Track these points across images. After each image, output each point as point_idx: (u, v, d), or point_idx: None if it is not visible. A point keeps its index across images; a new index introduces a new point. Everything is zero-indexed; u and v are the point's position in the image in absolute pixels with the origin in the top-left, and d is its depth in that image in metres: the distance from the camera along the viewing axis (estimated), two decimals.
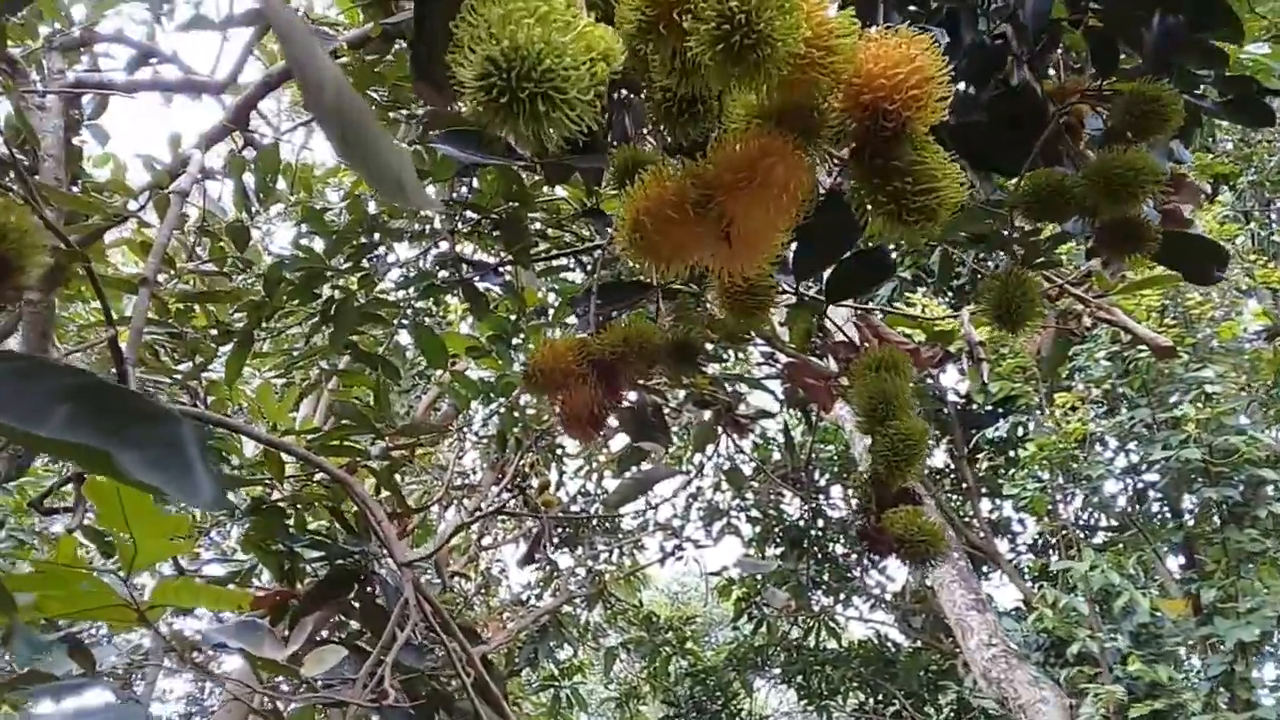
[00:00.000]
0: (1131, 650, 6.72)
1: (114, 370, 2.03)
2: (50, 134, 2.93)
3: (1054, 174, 1.38)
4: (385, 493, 2.87)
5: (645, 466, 3.05)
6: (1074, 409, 7.17)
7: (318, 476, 2.48)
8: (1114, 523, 8.59)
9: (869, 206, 1.04)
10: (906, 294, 8.08)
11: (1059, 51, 1.62)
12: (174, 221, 2.53)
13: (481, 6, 0.74)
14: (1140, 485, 8.08)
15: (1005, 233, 1.92)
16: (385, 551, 2.27)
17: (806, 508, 10.74)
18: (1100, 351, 7.07)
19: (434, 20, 0.98)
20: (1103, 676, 6.63)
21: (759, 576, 10.44)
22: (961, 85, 1.46)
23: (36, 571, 1.20)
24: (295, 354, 3.66)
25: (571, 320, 3.39)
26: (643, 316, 1.72)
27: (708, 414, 2.60)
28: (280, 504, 2.42)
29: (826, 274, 1.41)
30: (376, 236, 3.03)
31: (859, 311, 1.70)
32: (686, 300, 1.83)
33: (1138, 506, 8.13)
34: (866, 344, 1.61)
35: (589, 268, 3.57)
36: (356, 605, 2.50)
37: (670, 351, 1.43)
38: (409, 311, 3.27)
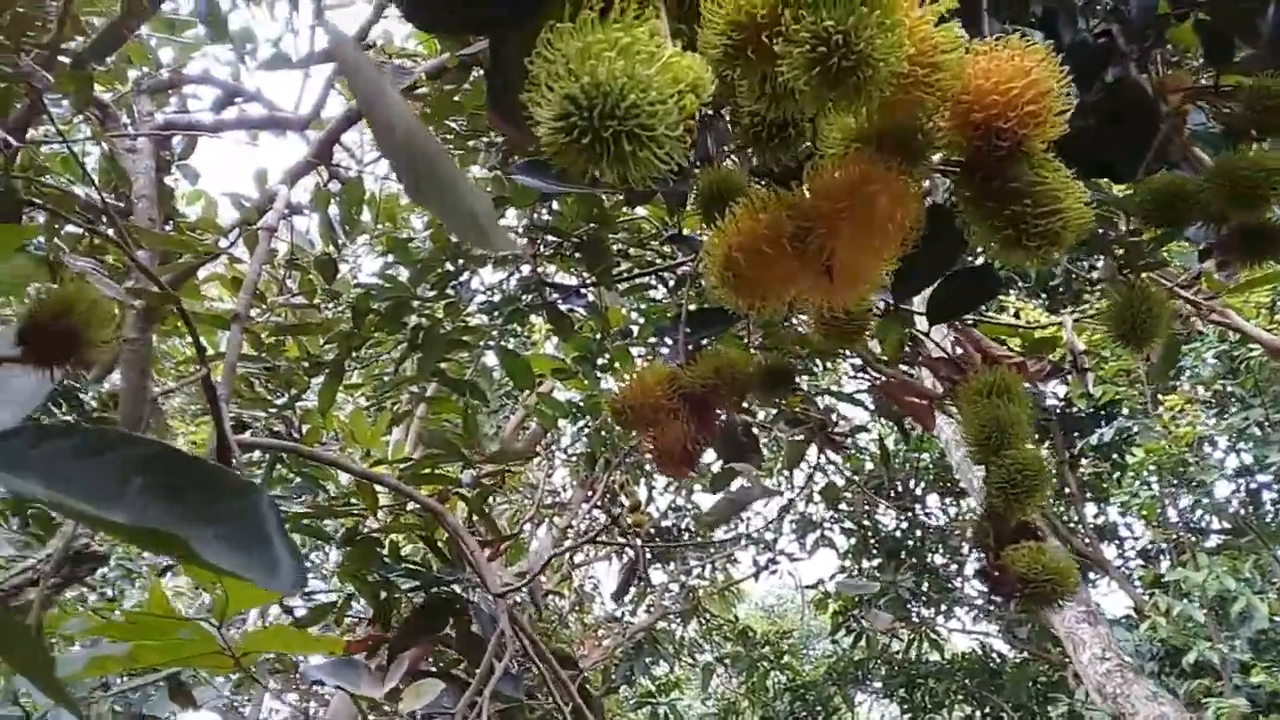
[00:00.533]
0: (1254, 660, 6.39)
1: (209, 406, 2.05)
2: (142, 175, 3.01)
3: (1174, 178, 1.28)
4: (477, 519, 2.87)
5: (738, 484, 3.00)
6: (1182, 411, 6.88)
7: (410, 506, 2.48)
8: (1227, 525, 8.22)
9: (983, 231, 0.96)
10: (1000, 297, 7.85)
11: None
12: (263, 257, 2.57)
13: (559, 40, 0.69)
14: (1254, 486, 7.72)
15: (1105, 233, 1.81)
16: (479, 580, 2.26)
17: (903, 517, 10.51)
18: (1208, 351, 6.78)
19: (509, 51, 0.93)
20: (1224, 688, 6.31)
21: (835, 583, 10.25)
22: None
23: (130, 622, 1.20)
24: (385, 381, 3.70)
25: (656, 339, 3.36)
26: (732, 339, 1.66)
27: (800, 433, 2.54)
28: (374, 534, 2.42)
29: (925, 293, 1.34)
30: (460, 263, 3.04)
31: (957, 323, 1.62)
32: (776, 321, 1.78)
33: (1252, 509, 7.77)
34: (968, 360, 1.52)
35: (671, 285, 3.53)
36: (452, 634, 2.49)
37: (763, 379, 1.38)
38: (494, 335, 3.28)
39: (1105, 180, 1.52)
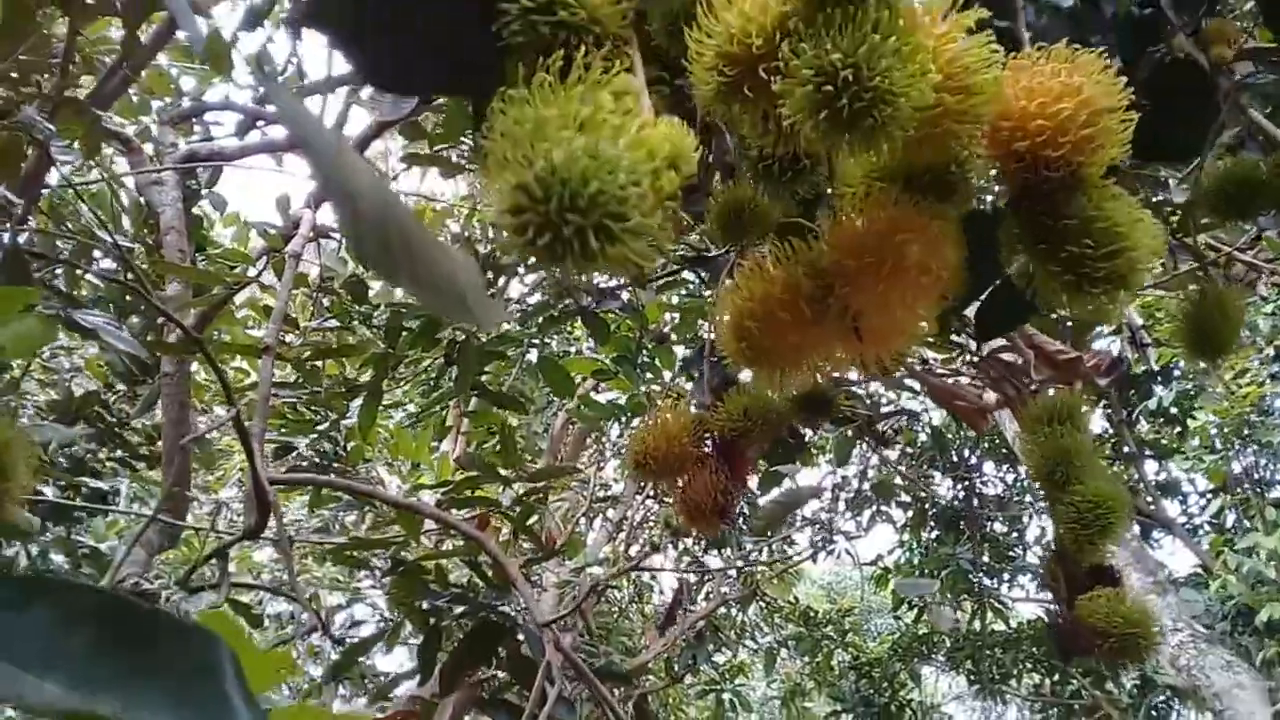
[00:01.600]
0: None
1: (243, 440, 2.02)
2: (169, 208, 2.99)
3: (1241, 166, 1.16)
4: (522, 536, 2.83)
5: (788, 485, 2.93)
6: (1245, 371, 6.66)
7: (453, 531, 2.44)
8: None
9: (1040, 275, 0.82)
10: None
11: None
12: (290, 284, 2.54)
13: (511, 109, 0.57)
14: None
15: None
16: (525, 604, 2.22)
17: (959, 487, 10.34)
18: (1267, 306, 6.55)
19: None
20: None
21: (915, 563, 10.13)
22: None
23: None
24: (427, 392, 3.67)
25: (683, 369, 3.28)
26: None
27: (848, 430, 2.46)
28: (420, 562, 2.39)
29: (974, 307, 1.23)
30: (490, 275, 2.99)
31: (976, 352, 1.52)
32: None
33: None
34: (1023, 361, 1.43)
35: (705, 280, 3.46)
36: (503, 656, 2.46)
37: (801, 409, 1.28)
38: (534, 342, 3.23)
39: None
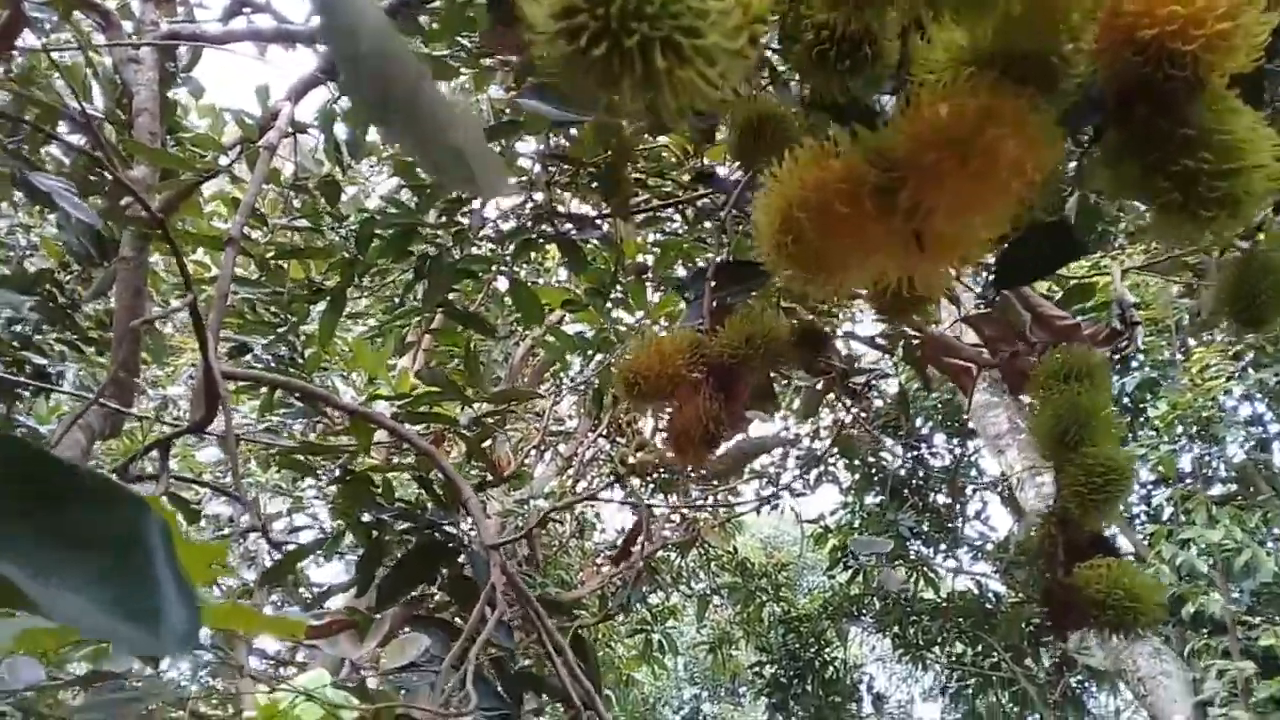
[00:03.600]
0: (1267, 622, 6.32)
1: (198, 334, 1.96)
2: (144, 88, 2.87)
3: None
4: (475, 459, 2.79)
5: (752, 434, 2.91)
6: (1208, 366, 6.72)
7: (406, 445, 2.39)
8: (1233, 474, 8.13)
9: (1136, 189, 0.72)
10: None
11: None
12: (262, 178, 2.45)
13: None
14: (1265, 436, 7.63)
15: None
16: (473, 526, 2.18)
17: (908, 456, 10.47)
18: None
19: None
20: (1228, 645, 6.27)
21: (849, 543, 10.26)
22: None
23: None
24: (391, 307, 3.60)
25: (677, 291, 3.22)
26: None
27: (819, 381, 2.43)
28: (368, 473, 2.34)
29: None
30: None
31: (991, 300, 1.48)
32: None
33: (1262, 462, 7.67)
34: (1016, 321, 1.39)
35: (692, 218, 3.40)
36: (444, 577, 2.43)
37: (798, 343, 1.20)
38: (505, 265, 3.16)
39: None
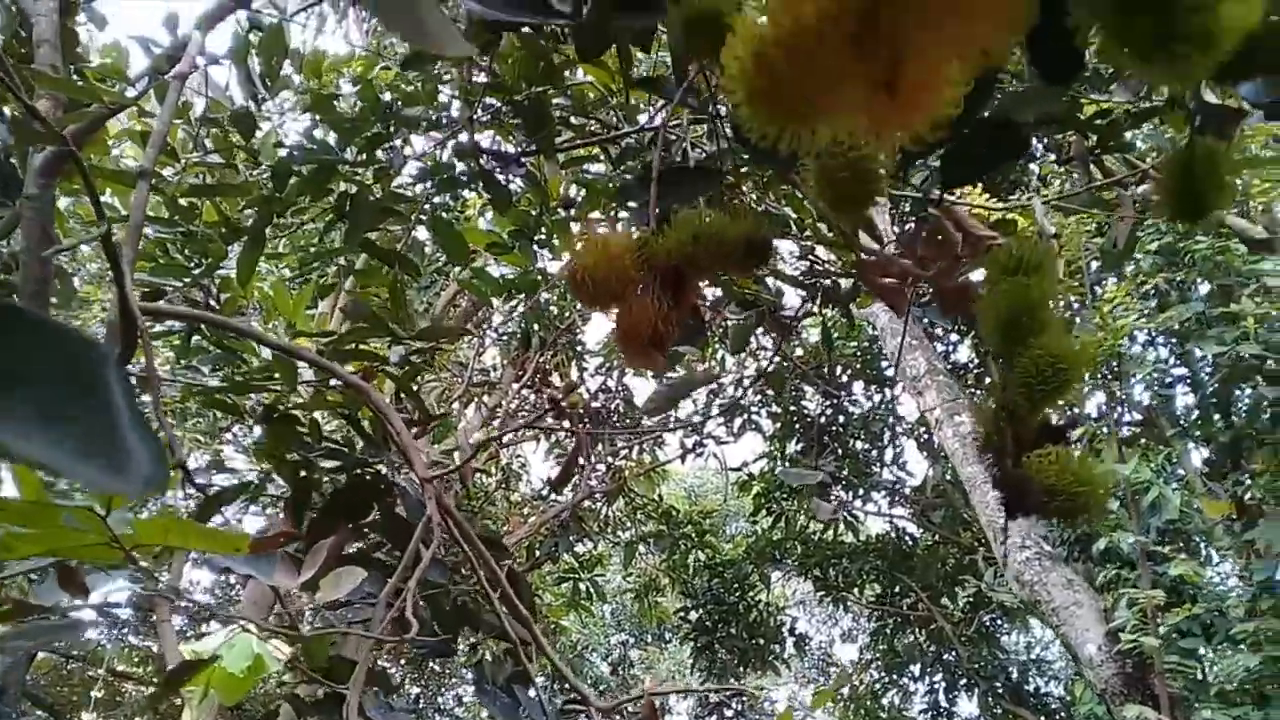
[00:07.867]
0: (1176, 553, 6.60)
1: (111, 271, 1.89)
2: (44, 18, 2.72)
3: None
4: (404, 398, 2.75)
5: (680, 371, 2.92)
6: (1120, 304, 6.92)
7: (333, 383, 2.35)
8: (1138, 416, 8.44)
9: (1111, 24, 0.68)
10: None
11: None
12: (173, 109, 2.36)
13: None
14: (1169, 380, 7.91)
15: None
16: (405, 462, 2.16)
17: (828, 403, 10.67)
18: (1152, 242, 6.79)
19: None
20: (1139, 578, 6.55)
21: (778, 472, 10.45)
22: None
23: (2, 509, 1.05)
24: (311, 251, 3.50)
25: (617, 202, 3.18)
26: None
27: (749, 315, 2.45)
28: (294, 411, 2.29)
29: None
30: (391, 126, 2.84)
31: (934, 201, 1.50)
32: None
33: (1163, 403, 7.96)
34: (948, 238, 1.41)
35: (615, 158, 3.37)
36: (376, 516, 2.40)
37: (744, 245, 1.18)
38: (427, 207, 3.10)
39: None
